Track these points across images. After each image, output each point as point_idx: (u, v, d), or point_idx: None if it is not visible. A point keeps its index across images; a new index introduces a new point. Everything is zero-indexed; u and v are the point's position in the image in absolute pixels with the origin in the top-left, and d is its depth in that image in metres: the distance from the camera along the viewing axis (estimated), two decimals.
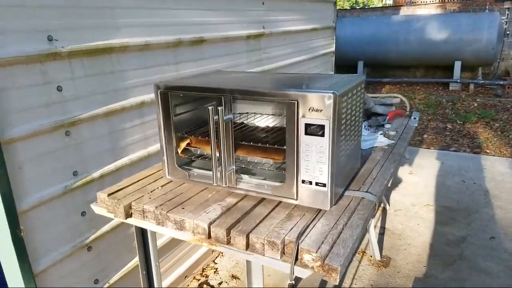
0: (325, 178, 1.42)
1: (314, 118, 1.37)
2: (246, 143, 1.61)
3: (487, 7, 8.69)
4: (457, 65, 8.48)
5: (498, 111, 7.36)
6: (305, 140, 1.41)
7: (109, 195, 1.68)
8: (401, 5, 10.14)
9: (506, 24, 8.51)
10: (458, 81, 8.48)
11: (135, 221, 1.62)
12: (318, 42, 4.33)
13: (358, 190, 1.67)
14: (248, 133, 1.81)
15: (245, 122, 2.00)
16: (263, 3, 3.16)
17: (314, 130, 1.38)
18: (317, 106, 1.35)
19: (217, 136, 1.53)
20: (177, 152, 1.73)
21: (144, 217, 1.58)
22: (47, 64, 1.75)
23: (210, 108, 1.46)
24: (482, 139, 5.97)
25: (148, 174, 1.92)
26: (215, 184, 1.57)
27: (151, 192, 1.71)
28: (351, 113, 1.55)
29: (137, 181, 1.84)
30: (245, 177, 1.64)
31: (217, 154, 1.53)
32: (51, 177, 1.83)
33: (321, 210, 1.48)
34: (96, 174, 2.06)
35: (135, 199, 1.63)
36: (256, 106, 1.99)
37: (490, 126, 6.60)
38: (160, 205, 1.57)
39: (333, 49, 4.73)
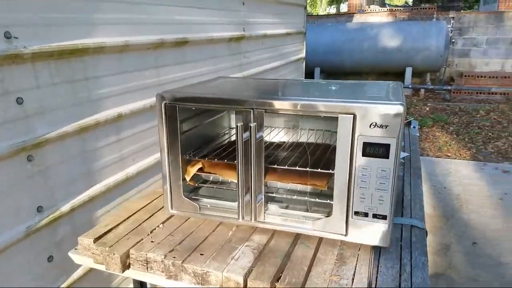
0: (386, 208, 1.15)
1: (377, 136, 1.09)
2: (278, 167, 1.30)
3: (434, 16, 9.03)
4: (408, 71, 8.70)
5: (448, 114, 7.61)
6: (362, 162, 1.13)
7: (95, 240, 1.29)
8: (354, 13, 10.30)
9: (451, 32, 8.89)
10: (410, 86, 8.71)
11: (136, 273, 1.25)
12: (291, 48, 4.10)
13: (402, 216, 1.42)
14: (274, 152, 1.50)
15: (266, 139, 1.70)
16: (243, 3, 2.86)
17: (376, 150, 1.11)
18: (381, 121, 1.08)
19: (245, 159, 1.21)
20: (184, 179, 1.38)
21: (148, 268, 1.21)
22: (4, 69, 1.33)
23: (239, 125, 1.13)
24: (442, 143, 6.08)
25: (140, 207, 1.54)
26: (241, 220, 1.24)
27: (151, 232, 1.34)
28: None
29: (129, 217, 1.46)
30: (273, 208, 1.33)
31: (244, 181, 1.21)
32: (9, 217, 1.40)
33: (375, 246, 1.21)
34: (65, 207, 1.64)
35: (133, 245, 1.26)
36: (276, 118, 1.68)
37: (445, 129, 6.77)
38: (170, 251, 1.21)
39: (303, 55, 4.54)
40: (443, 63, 8.73)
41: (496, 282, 2.76)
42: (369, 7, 11.86)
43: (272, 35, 3.51)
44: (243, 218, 1.23)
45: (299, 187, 1.33)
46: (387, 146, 1.10)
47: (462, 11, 11.54)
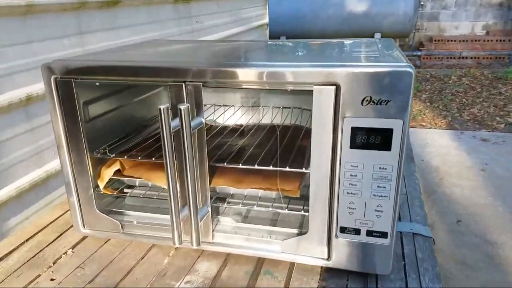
0: (386, 223, 0.78)
1: (373, 118, 0.71)
2: (229, 166, 0.90)
3: None
4: (377, 37, 8.39)
5: (420, 81, 7.38)
6: (350, 157, 0.75)
7: None
8: None
9: None
10: None
11: None
12: (253, 12, 3.64)
13: (400, 220, 1.07)
14: (225, 143, 1.09)
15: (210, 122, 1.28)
16: None
17: (371, 139, 0.73)
18: (379, 94, 0.70)
19: (178, 157, 0.81)
20: (96, 187, 0.97)
21: None
22: None
23: (162, 108, 0.72)
24: (416, 112, 5.85)
25: (48, 222, 1.12)
26: (177, 243, 0.84)
27: (54, 263, 0.94)
28: None
29: (29, 239, 1.04)
30: (225, 223, 0.95)
31: (178, 188, 0.81)
32: None
33: (370, 274, 0.85)
34: None
35: (25, 286, 0.85)
36: (228, 94, 1.28)
37: (418, 97, 6.53)
38: None
39: (266, 20, 4.08)
40: (412, 27, 8.43)
41: (484, 263, 2.54)
42: None
43: None
44: (180, 241, 0.84)
45: (261, 192, 0.95)
46: (388, 133, 0.72)
47: None
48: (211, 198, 0.90)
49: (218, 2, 2.90)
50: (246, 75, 0.76)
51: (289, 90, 0.79)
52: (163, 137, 0.74)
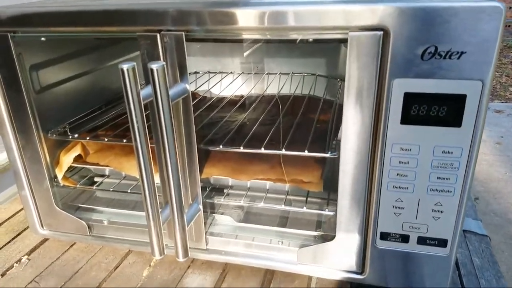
0: (447, 227, 0.56)
1: (437, 79, 0.48)
2: (226, 148, 0.67)
3: None
4: None
5: None
6: (401, 137, 0.52)
7: None
8: None
9: None
10: None
11: None
12: None
13: None
14: (220, 119, 0.85)
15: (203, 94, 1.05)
16: None
17: (434, 111, 0.50)
18: (450, 43, 0.46)
19: (155, 138, 0.58)
20: (55, 178, 0.74)
21: None
22: None
23: (126, 68, 0.48)
24: None
25: (4, 218, 0.90)
26: (157, 256, 0.62)
27: (4, 275, 0.72)
28: None
29: None
30: (223, 224, 0.73)
31: (155, 181, 0.57)
32: None
33: None
34: None
35: None
36: (227, 59, 1.03)
37: None
38: None
39: None
40: None
41: (505, 244, 2.35)
42: None
43: None
44: (161, 252, 0.61)
45: (269, 184, 0.72)
46: (459, 101, 0.49)
47: None
48: (203, 191, 0.67)
49: None
50: (247, 18, 0.52)
51: (310, 41, 0.55)
52: (129, 110, 0.50)
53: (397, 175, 0.55)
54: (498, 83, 4.71)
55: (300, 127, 0.76)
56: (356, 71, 0.51)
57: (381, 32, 0.48)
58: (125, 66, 0.49)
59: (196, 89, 1.06)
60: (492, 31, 0.45)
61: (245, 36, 0.55)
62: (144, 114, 0.51)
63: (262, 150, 0.65)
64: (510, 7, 6.81)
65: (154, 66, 0.50)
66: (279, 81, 1.05)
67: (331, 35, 0.51)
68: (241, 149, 0.65)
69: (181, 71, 0.58)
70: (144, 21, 0.56)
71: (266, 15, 0.51)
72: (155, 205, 0.57)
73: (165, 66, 0.51)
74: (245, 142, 0.67)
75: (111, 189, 0.75)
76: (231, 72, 1.11)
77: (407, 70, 0.49)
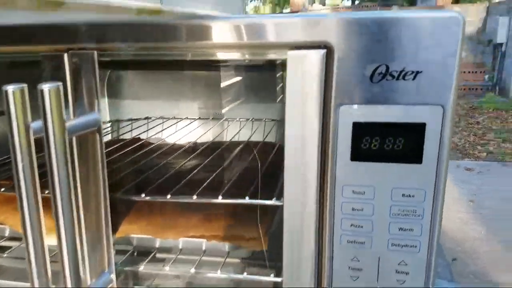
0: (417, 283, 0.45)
1: (391, 105, 0.40)
2: (148, 197, 0.55)
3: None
4: None
5: None
6: (352, 177, 0.42)
7: None
8: (298, 11, 9.88)
9: None
10: None
11: None
12: None
13: None
14: (154, 167, 0.74)
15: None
16: None
17: (388, 143, 0.41)
18: (403, 61, 0.38)
19: (51, 184, 0.47)
20: None
21: None
22: None
23: (10, 91, 0.38)
24: None
25: None
26: None
27: None
28: None
29: None
30: None
31: (46, 242, 0.44)
32: None
33: None
34: None
35: None
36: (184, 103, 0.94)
37: None
38: None
39: None
40: None
41: None
42: (311, 6, 11.53)
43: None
44: None
45: (206, 244, 0.59)
46: (417, 131, 0.40)
47: (403, 6, 11.52)
48: (122, 255, 0.54)
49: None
50: (165, 31, 0.43)
51: (247, 64, 0.47)
52: (12, 144, 0.39)
53: (351, 225, 0.44)
54: (467, 142, 4.81)
55: (246, 174, 0.66)
56: (295, 99, 0.42)
57: (324, 50, 0.40)
58: (10, 88, 0.38)
59: (149, 137, 0.96)
60: (450, 45, 0.38)
61: (164, 56, 0.46)
62: (33, 152, 0.40)
63: (194, 199, 0.53)
64: (474, 71, 7.21)
65: (46, 87, 0.40)
66: (238, 127, 0.97)
67: (265, 54, 0.43)
68: (168, 198, 0.54)
69: (91, 98, 0.48)
70: (50, 39, 0.47)
71: (185, 29, 0.43)
72: (45, 275, 0.44)
73: (60, 88, 0.41)
74: (175, 190, 0.56)
75: (4, 255, 0.60)
76: (186, 118, 1.02)
77: (355, 94, 0.41)
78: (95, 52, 0.46)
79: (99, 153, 0.49)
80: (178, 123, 1.00)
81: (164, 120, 1.02)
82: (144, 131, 0.97)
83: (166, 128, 0.98)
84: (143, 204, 0.62)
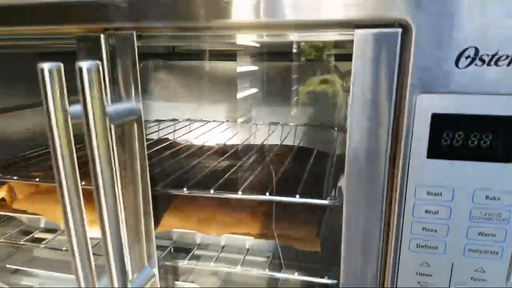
0: None
1: (478, 94, 0.34)
2: (195, 193, 0.51)
3: None
4: None
5: None
6: (427, 176, 0.37)
7: None
8: None
9: None
10: None
11: None
12: None
13: None
14: (191, 165, 0.69)
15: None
16: None
17: (472, 139, 0.35)
18: (494, 44, 0.33)
19: (91, 172, 0.43)
20: None
21: None
22: None
23: (46, 68, 0.33)
24: None
25: None
26: None
27: None
28: None
29: None
30: None
31: (89, 235, 0.41)
32: None
33: None
34: None
35: None
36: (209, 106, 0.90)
37: None
38: None
39: None
40: None
41: None
42: None
43: None
44: None
45: (250, 242, 0.56)
46: (509, 125, 0.35)
47: None
48: (162, 250, 0.51)
49: None
50: (226, 10, 0.38)
51: (308, 58, 0.42)
52: (50, 129, 0.35)
53: (423, 229, 0.40)
54: None
55: (288, 174, 0.61)
56: (364, 85, 0.37)
57: (400, 29, 0.35)
58: (46, 66, 0.35)
59: (175, 138, 0.94)
60: None
61: (215, 41, 0.41)
62: (71, 137, 0.37)
63: (239, 195, 0.49)
64: None
65: (85, 65, 0.35)
66: (268, 131, 0.92)
67: (333, 35, 0.38)
68: (211, 193, 0.50)
69: (130, 85, 0.43)
70: (84, 18, 0.42)
71: (261, 5, 0.37)
72: (89, 269, 0.41)
73: (100, 66, 0.36)
74: (217, 185, 0.52)
75: (41, 245, 0.58)
76: (213, 120, 0.98)
77: (436, 82, 0.35)
78: (134, 33, 0.42)
79: (140, 144, 0.45)
80: (205, 126, 0.97)
81: (191, 122, 0.99)
82: (171, 132, 0.94)
83: (192, 130, 0.95)
84: (184, 201, 0.58)
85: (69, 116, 0.36)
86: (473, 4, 0.33)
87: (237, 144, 0.83)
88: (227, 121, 0.97)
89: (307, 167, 0.63)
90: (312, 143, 0.85)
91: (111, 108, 0.40)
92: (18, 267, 0.62)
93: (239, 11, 0.38)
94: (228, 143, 0.85)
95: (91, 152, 0.37)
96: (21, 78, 0.69)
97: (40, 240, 0.62)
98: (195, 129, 0.96)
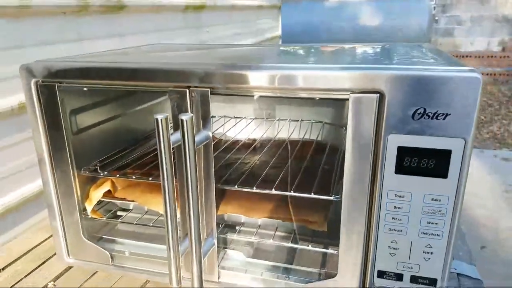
0: (436, 267, 0.62)
1: (426, 136, 0.56)
2: (241, 189, 0.75)
3: None
4: None
5: None
6: (395, 185, 0.60)
7: None
8: None
9: (434, 10, 8.45)
10: None
11: None
12: (265, 24, 3.53)
13: None
14: (236, 161, 0.94)
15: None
16: None
17: (423, 163, 0.57)
18: (436, 105, 0.55)
19: (180, 178, 0.67)
20: (84, 210, 0.82)
21: None
22: None
23: (160, 118, 0.57)
24: None
25: (28, 248, 0.97)
26: (174, 285, 0.68)
27: None
28: None
29: (5, 267, 0.90)
30: (234, 258, 0.79)
31: (178, 216, 0.65)
32: None
33: None
34: None
35: None
36: (239, 104, 1.14)
37: None
38: None
39: (279, 32, 3.97)
40: (426, 41, 8.31)
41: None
42: None
43: (242, 7, 2.92)
44: (179, 281, 0.68)
45: (278, 223, 0.79)
46: (445, 155, 0.57)
47: None
48: (217, 227, 0.74)
49: (231, 12, 2.78)
50: (264, 79, 0.61)
51: (317, 99, 0.64)
52: (160, 153, 0.59)
53: (392, 218, 0.62)
54: (506, 132, 4.77)
55: (307, 170, 0.84)
56: (356, 127, 0.59)
57: (378, 95, 0.57)
58: (159, 117, 0.58)
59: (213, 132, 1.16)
60: (472, 97, 0.54)
61: (263, 93, 0.64)
62: (172, 157, 0.60)
63: (273, 191, 0.73)
64: None
65: (184, 117, 0.59)
66: (288, 127, 1.14)
67: (335, 94, 0.60)
68: (254, 189, 0.73)
69: (205, 121, 0.67)
70: (176, 79, 0.66)
71: (285, 77, 0.60)
72: (176, 238, 0.64)
73: (193, 117, 0.60)
74: (257, 183, 0.75)
75: (134, 223, 0.83)
76: (244, 117, 1.20)
77: (400, 127, 0.57)
78: (209, 90, 0.65)
79: (210, 156, 0.68)
80: (237, 122, 1.19)
81: (227, 120, 1.21)
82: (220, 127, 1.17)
83: (228, 127, 1.18)
84: (233, 192, 0.82)
85: (171, 143, 0.60)
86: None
87: (267, 140, 1.05)
88: (255, 118, 1.18)
89: (321, 162, 0.86)
90: (326, 138, 1.06)
91: (196, 138, 0.64)
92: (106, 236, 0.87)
93: (284, 82, 0.60)
94: (259, 138, 1.07)
95: (185, 164, 0.61)
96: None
97: (119, 217, 0.88)
98: (231, 126, 1.17)
